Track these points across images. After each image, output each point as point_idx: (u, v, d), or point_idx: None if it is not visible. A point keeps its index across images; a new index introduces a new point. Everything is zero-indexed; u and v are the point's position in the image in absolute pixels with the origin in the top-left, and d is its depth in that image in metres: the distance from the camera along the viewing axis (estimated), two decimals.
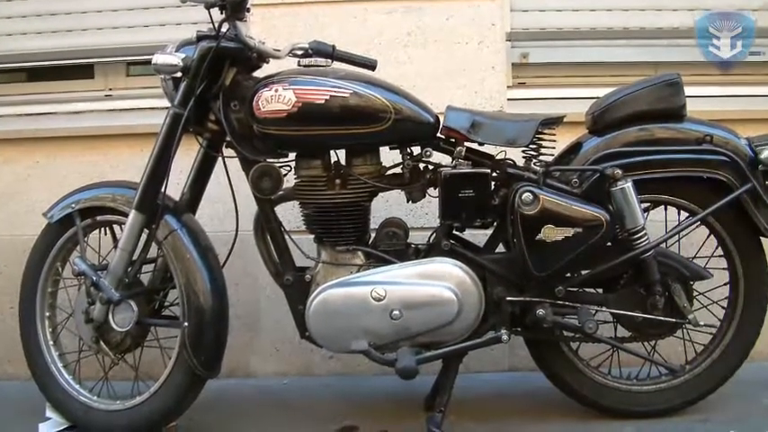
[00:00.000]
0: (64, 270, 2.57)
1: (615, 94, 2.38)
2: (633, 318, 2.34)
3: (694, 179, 2.32)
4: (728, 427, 2.34)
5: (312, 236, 2.43)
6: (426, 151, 2.36)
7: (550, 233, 2.21)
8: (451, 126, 2.31)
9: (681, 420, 2.41)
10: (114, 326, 2.35)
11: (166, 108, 2.35)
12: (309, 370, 3.07)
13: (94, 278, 2.35)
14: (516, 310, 2.32)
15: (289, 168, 2.39)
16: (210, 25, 2.28)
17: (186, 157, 2.44)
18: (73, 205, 2.47)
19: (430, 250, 2.37)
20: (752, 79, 3.11)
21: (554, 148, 2.41)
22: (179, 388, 2.38)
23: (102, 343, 2.39)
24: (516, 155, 2.42)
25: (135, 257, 2.39)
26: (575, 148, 2.40)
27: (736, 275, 2.41)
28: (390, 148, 2.41)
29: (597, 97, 2.46)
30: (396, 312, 2.23)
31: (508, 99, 3.04)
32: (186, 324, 2.33)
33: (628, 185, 2.25)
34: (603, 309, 2.36)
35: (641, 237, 2.28)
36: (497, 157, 2.39)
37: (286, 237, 2.42)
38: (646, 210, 2.38)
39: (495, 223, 2.38)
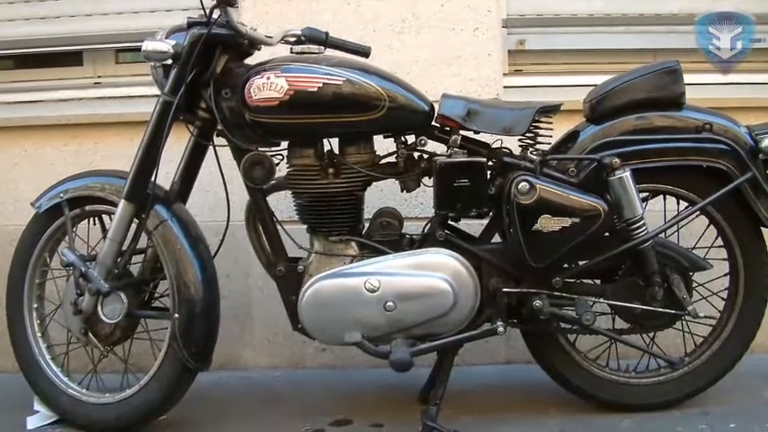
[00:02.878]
0: (52, 261, 2.54)
1: (613, 81, 2.36)
2: (631, 309, 2.32)
3: (694, 168, 2.30)
4: (728, 420, 2.33)
5: (305, 226, 2.40)
6: (421, 140, 2.33)
7: (547, 223, 2.19)
8: (447, 114, 2.29)
9: (680, 414, 2.39)
10: (103, 317, 2.33)
11: (156, 96, 2.32)
12: (302, 362, 3.05)
13: (83, 269, 2.33)
14: (512, 301, 2.30)
15: (281, 157, 2.36)
16: (201, 11, 2.25)
17: (176, 145, 2.41)
18: (61, 195, 2.45)
19: (424, 241, 2.35)
20: (752, 67, 3.08)
21: (551, 136, 2.39)
22: (169, 381, 2.36)
23: (90, 335, 2.37)
24: (513, 143, 2.39)
25: (124, 248, 2.37)
26: (572, 137, 2.38)
27: (736, 266, 2.39)
28: (384, 137, 2.39)
29: (595, 85, 2.44)
30: (390, 304, 2.21)
31: (504, 86, 3.01)
32: (176, 315, 2.32)
33: (626, 174, 2.23)
34: (601, 300, 2.34)
35: (640, 227, 2.26)
36: (493, 146, 2.37)
37: (278, 227, 2.40)
38: (644, 199, 2.37)
39: (490, 213, 2.35)
